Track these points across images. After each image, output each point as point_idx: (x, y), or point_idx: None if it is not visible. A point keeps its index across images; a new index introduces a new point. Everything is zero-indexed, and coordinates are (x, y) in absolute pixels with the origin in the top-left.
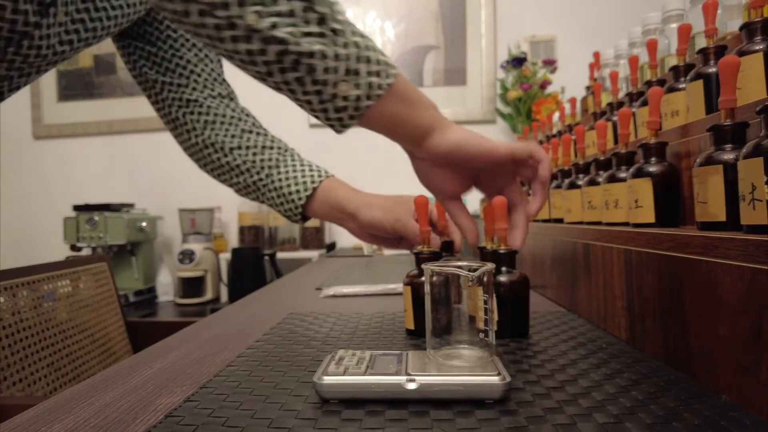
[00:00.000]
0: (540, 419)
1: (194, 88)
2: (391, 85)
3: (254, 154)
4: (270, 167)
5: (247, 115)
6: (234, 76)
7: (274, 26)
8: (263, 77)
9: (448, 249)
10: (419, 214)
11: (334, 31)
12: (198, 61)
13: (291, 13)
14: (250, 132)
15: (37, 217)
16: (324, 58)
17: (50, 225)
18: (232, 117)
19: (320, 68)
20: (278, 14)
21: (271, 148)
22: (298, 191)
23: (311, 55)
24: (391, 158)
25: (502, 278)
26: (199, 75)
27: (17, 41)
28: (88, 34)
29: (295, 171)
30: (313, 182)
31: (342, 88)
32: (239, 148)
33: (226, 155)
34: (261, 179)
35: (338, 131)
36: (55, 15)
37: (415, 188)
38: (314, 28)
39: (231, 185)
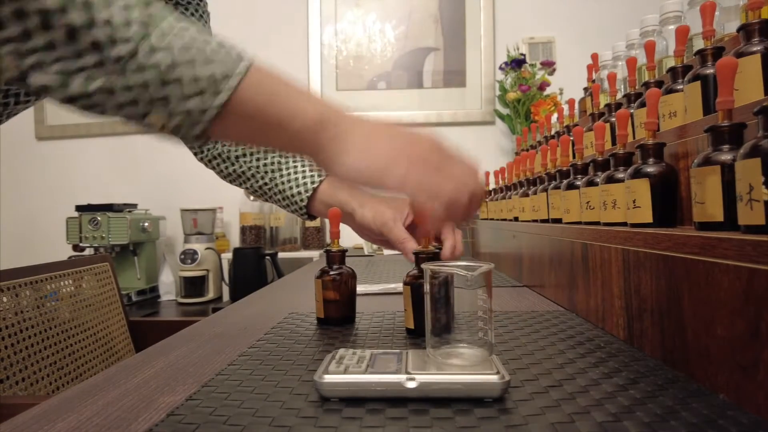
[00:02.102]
0: (539, 417)
1: None
2: (226, 104)
3: (257, 159)
4: (273, 171)
5: None
6: None
7: (37, 66)
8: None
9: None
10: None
11: (117, 59)
12: None
13: (51, 46)
14: None
15: (40, 217)
16: (109, 93)
17: (53, 225)
18: None
19: (111, 105)
20: (34, 50)
21: (273, 150)
22: (299, 192)
23: (89, 96)
24: None
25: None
26: None
27: None
28: None
29: (296, 172)
30: (312, 182)
31: (152, 119)
32: (244, 155)
33: (233, 164)
34: (266, 183)
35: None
36: None
37: None
38: (88, 59)
39: (245, 189)
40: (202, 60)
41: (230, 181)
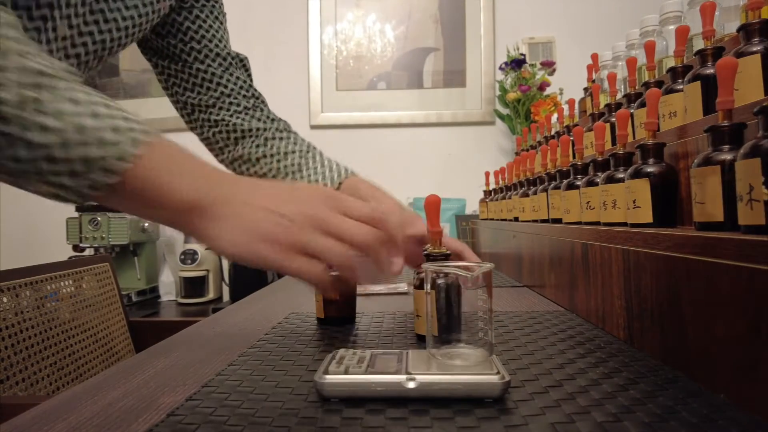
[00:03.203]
0: (538, 417)
1: (221, 108)
2: (107, 185)
3: (278, 161)
4: (293, 172)
5: (272, 120)
6: None
7: None
8: None
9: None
10: (429, 213)
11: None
12: (223, 72)
13: None
14: (273, 138)
15: (40, 217)
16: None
17: (53, 225)
18: (258, 129)
19: None
20: None
21: (293, 152)
22: None
23: None
24: (394, 160)
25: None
26: (225, 87)
27: None
28: (96, 47)
29: (316, 173)
30: (332, 182)
31: (30, 184)
32: (264, 156)
33: (253, 165)
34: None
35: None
36: (55, 29)
37: (416, 190)
38: None
39: None
40: (79, 141)
41: None
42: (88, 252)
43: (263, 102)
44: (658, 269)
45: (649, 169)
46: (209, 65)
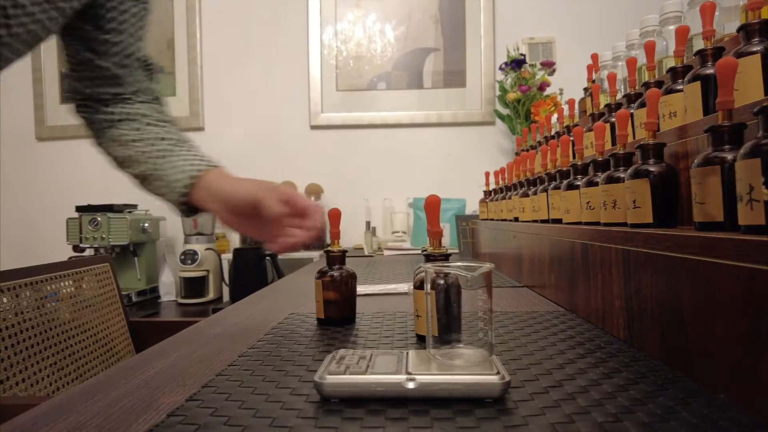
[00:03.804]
0: (539, 417)
1: (112, 103)
2: None
3: (151, 144)
4: (158, 157)
5: (159, 112)
6: (241, 83)
7: None
8: None
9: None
10: (429, 213)
11: None
12: (126, 75)
13: None
14: (150, 125)
15: (40, 217)
16: None
17: (53, 226)
18: (143, 115)
19: None
20: None
21: (169, 139)
22: (181, 179)
23: None
24: (392, 159)
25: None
26: (123, 87)
27: None
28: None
29: (178, 159)
30: (200, 170)
31: None
32: (136, 141)
33: (122, 145)
34: (150, 167)
35: None
36: None
37: (416, 190)
38: None
39: (130, 176)
40: None
41: (118, 164)
42: (88, 252)
43: (159, 102)
44: (658, 269)
45: (650, 169)
46: (113, 63)
